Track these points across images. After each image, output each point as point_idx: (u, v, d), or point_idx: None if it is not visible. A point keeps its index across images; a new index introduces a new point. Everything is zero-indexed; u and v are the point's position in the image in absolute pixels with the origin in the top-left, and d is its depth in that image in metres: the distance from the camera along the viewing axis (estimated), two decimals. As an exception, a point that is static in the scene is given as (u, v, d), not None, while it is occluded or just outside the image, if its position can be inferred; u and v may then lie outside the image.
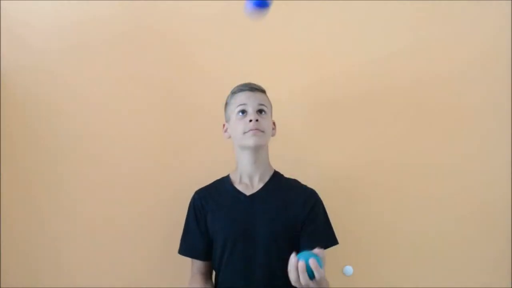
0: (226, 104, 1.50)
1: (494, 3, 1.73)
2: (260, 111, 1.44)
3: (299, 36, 1.73)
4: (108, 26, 1.71)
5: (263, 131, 1.41)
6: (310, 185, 1.51)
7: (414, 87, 1.73)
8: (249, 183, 1.47)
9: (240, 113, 1.43)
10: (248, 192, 1.45)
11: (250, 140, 1.40)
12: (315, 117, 1.73)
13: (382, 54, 1.72)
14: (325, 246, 1.44)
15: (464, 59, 1.74)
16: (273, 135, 1.50)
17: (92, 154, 1.69)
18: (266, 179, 1.47)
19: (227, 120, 1.49)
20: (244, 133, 1.41)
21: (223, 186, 1.49)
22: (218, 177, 1.54)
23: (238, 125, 1.42)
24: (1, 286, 1.65)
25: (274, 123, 1.51)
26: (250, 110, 1.42)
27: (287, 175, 1.53)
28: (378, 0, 1.72)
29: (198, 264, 1.48)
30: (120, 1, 1.71)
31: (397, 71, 1.73)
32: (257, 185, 1.46)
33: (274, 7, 1.70)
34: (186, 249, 1.48)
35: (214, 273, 1.49)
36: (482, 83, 1.74)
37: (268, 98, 1.49)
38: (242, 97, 1.44)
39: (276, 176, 1.50)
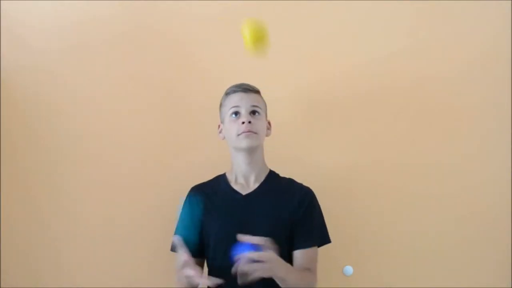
0: (221, 105, 1.50)
1: (494, 3, 1.73)
2: (253, 112, 1.43)
3: (299, 36, 1.73)
4: (108, 26, 1.71)
5: (256, 133, 1.41)
6: (309, 185, 1.51)
7: (414, 87, 1.73)
8: (244, 183, 1.47)
9: (233, 115, 1.43)
10: (244, 191, 1.45)
11: (243, 142, 1.41)
12: (314, 117, 1.74)
13: (382, 54, 1.72)
14: (319, 245, 1.46)
15: (464, 59, 1.74)
16: (268, 135, 1.50)
17: (92, 154, 1.69)
18: (262, 178, 1.48)
19: (222, 121, 1.49)
20: (238, 135, 1.41)
21: (219, 185, 1.49)
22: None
23: (232, 127, 1.42)
24: (1, 286, 1.65)
25: (269, 123, 1.51)
26: (243, 111, 1.42)
27: (286, 175, 1.53)
28: (378, 0, 1.72)
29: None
30: (120, 1, 1.71)
31: (396, 71, 1.73)
32: (253, 185, 1.46)
33: (273, 7, 1.72)
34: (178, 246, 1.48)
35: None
36: (482, 83, 1.74)
37: (262, 98, 1.49)
38: (235, 98, 1.44)
39: (272, 176, 1.50)
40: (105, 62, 1.71)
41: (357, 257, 1.71)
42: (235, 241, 1.38)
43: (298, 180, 1.52)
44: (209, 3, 1.70)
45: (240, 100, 1.43)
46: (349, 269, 1.70)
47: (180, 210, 1.51)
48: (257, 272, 1.20)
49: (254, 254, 1.20)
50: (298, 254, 1.42)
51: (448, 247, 1.72)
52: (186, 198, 1.51)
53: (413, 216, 1.72)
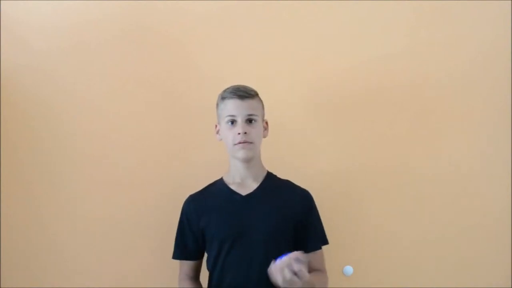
0: (217, 105, 1.49)
1: (494, 3, 1.73)
2: (249, 120, 1.42)
3: (298, 36, 1.73)
4: (108, 26, 1.71)
5: (252, 142, 1.41)
6: (308, 185, 1.52)
7: (414, 88, 1.73)
8: (243, 183, 1.47)
9: (229, 123, 1.43)
10: (243, 192, 1.46)
11: (239, 153, 1.41)
12: (313, 118, 1.73)
13: (382, 54, 1.72)
14: (321, 245, 1.50)
15: (464, 59, 1.74)
16: (265, 136, 1.49)
17: (92, 154, 1.69)
18: (260, 179, 1.48)
19: (219, 122, 1.48)
20: (234, 144, 1.41)
21: (217, 188, 1.50)
22: (217, 178, 1.54)
23: (228, 135, 1.43)
24: (1, 286, 1.65)
25: (266, 123, 1.50)
26: (239, 120, 1.41)
27: (285, 175, 1.54)
28: (378, 0, 1.72)
29: (188, 265, 1.50)
30: (120, 1, 1.71)
31: (396, 72, 1.73)
32: (252, 185, 1.47)
33: (274, 7, 1.72)
34: (179, 253, 1.51)
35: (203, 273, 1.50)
36: (482, 83, 1.74)
37: (258, 102, 1.47)
38: (231, 106, 1.42)
39: (270, 177, 1.51)
40: (105, 62, 1.71)
41: (357, 257, 1.71)
42: (237, 241, 1.39)
43: (298, 180, 1.53)
44: (209, 3, 1.70)
45: (235, 109, 1.42)
46: (349, 269, 1.70)
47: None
48: (295, 284, 1.22)
49: (298, 267, 1.21)
50: (309, 256, 1.44)
51: (448, 247, 1.72)
52: (183, 206, 1.52)
53: (413, 216, 1.72)
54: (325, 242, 1.51)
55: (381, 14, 1.73)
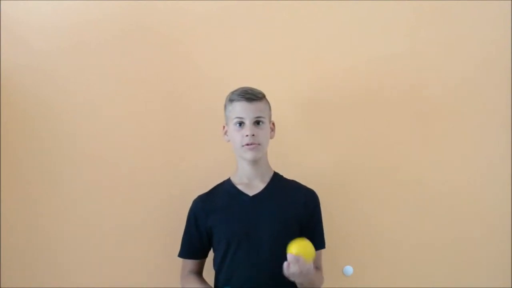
0: (225, 107, 1.50)
1: (494, 3, 1.73)
2: (257, 122, 1.44)
3: (299, 37, 1.73)
4: (108, 26, 1.71)
5: (259, 144, 1.43)
6: (309, 184, 1.52)
7: (413, 88, 1.73)
8: (250, 184, 1.49)
9: (237, 125, 1.44)
10: (250, 192, 1.47)
11: (247, 154, 1.43)
12: (314, 118, 1.73)
13: (382, 54, 1.72)
14: (323, 246, 1.52)
15: (464, 59, 1.74)
16: (272, 137, 1.51)
17: (92, 154, 1.69)
18: (267, 180, 1.49)
19: (227, 124, 1.49)
20: (241, 146, 1.43)
21: (225, 188, 1.51)
22: (219, 178, 1.54)
23: (236, 136, 1.44)
24: (1, 286, 1.65)
25: (273, 124, 1.52)
26: (247, 122, 1.43)
27: (286, 175, 1.54)
28: (378, 0, 1.72)
29: (193, 263, 1.51)
30: (120, 1, 1.71)
31: (396, 72, 1.73)
32: (259, 186, 1.48)
33: (274, 7, 1.72)
34: (186, 252, 1.51)
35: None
36: (482, 83, 1.74)
37: (266, 103, 1.48)
38: (239, 108, 1.44)
39: (277, 177, 1.52)
40: (105, 62, 1.71)
41: (357, 257, 1.71)
42: (244, 241, 1.41)
43: (298, 180, 1.53)
44: (209, 3, 1.70)
45: (243, 111, 1.43)
46: (349, 269, 1.70)
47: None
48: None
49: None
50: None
51: (448, 247, 1.72)
52: (191, 206, 1.52)
53: (413, 216, 1.72)
54: (322, 246, 1.52)
55: (381, 14, 1.73)
